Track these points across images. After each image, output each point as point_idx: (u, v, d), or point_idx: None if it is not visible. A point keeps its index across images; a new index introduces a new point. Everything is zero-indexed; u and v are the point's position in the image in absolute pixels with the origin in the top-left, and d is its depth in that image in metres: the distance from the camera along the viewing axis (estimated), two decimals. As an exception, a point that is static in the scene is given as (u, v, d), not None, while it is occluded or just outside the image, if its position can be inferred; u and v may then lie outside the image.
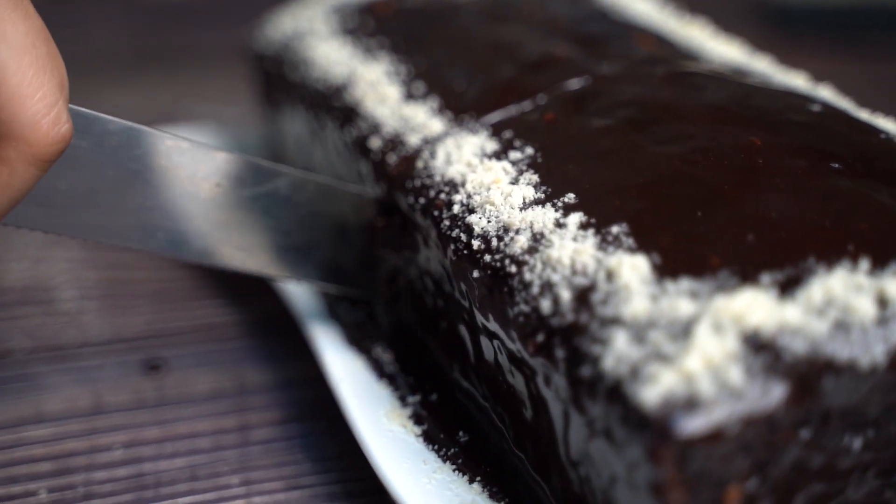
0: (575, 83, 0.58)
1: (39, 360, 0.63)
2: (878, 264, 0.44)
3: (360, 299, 0.60)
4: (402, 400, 0.55)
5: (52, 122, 0.43)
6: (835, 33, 1.08)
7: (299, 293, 0.61)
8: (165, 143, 0.51)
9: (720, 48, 0.65)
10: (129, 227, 0.51)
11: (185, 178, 0.52)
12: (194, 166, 0.52)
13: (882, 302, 0.42)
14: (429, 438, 0.52)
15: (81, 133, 0.48)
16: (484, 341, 0.51)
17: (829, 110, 0.55)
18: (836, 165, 0.49)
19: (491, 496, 0.50)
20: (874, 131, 0.53)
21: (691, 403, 0.40)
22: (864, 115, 0.56)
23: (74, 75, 0.97)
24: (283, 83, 0.70)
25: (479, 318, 0.50)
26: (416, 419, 0.54)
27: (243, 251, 0.54)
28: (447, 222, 0.52)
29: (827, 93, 0.59)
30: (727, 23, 1.04)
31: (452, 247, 0.51)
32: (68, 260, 0.72)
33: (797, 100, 0.56)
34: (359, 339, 0.59)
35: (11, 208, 0.44)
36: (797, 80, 0.60)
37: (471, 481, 0.50)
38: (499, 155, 0.54)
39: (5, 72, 0.42)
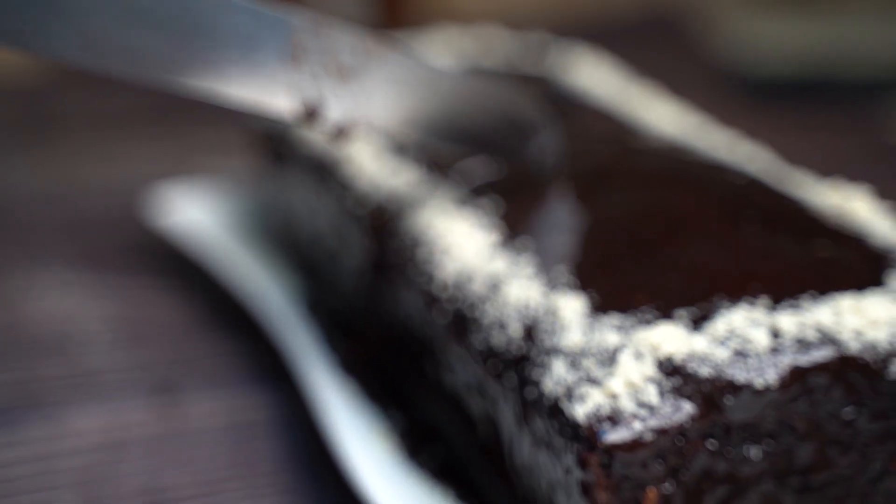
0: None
1: (67, 385, 0.70)
2: (774, 303, 0.52)
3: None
4: (386, 419, 0.63)
5: None
6: (791, 101, 1.16)
7: (297, 327, 0.70)
8: None
9: (669, 125, 0.73)
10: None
11: None
12: None
13: (775, 334, 0.50)
14: (407, 451, 0.60)
15: None
16: (447, 371, 0.59)
17: (753, 178, 0.63)
18: (750, 223, 0.58)
19: (460, 497, 0.58)
20: (788, 196, 0.61)
21: (614, 418, 0.47)
22: (784, 182, 0.64)
23: (96, 130, 1.07)
24: (284, 162, 0.79)
25: (446, 352, 0.59)
26: (399, 435, 0.62)
27: (146, 61, 0.51)
28: (418, 270, 0.61)
29: (757, 165, 0.67)
30: (695, 92, 1.12)
31: (423, 291, 0.60)
32: (93, 297, 0.80)
33: (726, 170, 0.64)
34: (350, 367, 0.67)
35: None
36: (732, 154, 0.68)
37: (445, 487, 0.58)
38: (466, 213, 0.62)
39: None
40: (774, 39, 1.29)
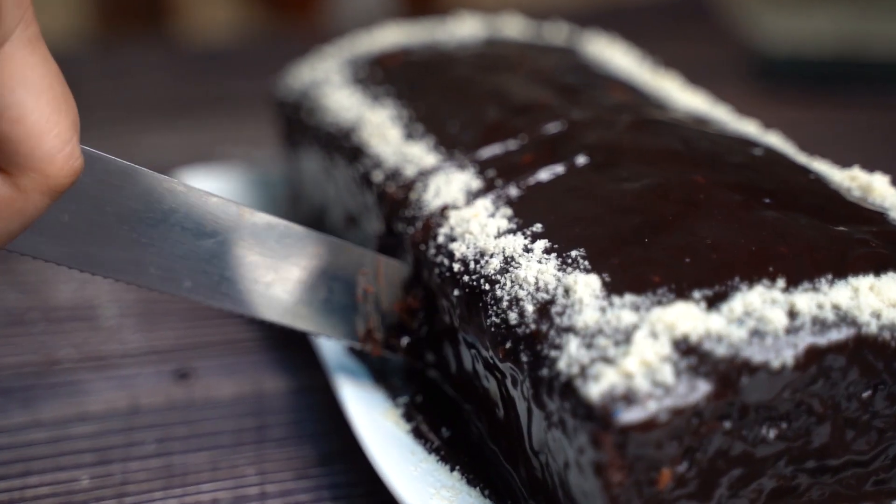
0: (552, 127, 0.66)
1: (84, 368, 0.71)
2: (792, 283, 0.51)
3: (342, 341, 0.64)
4: (395, 401, 0.63)
5: (66, 157, 0.46)
6: (812, 84, 1.15)
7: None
8: (162, 186, 0.54)
9: (686, 98, 0.73)
10: (124, 261, 0.54)
11: (179, 220, 0.55)
12: (187, 209, 0.55)
13: (792, 314, 0.49)
14: (417, 434, 0.60)
15: (86, 170, 0.51)
16: (463, 351, 0.59)
17: (770, 153, 0.63)
18: (767, 200, 0.57)
19: (468, 483, 0.57)
20: (805, 171, 0.61)
21: (629, 397, 0.47)
22: (801, 157, 0.63)
23: (121, 120, 1.08)
24: (301, 126, 0.79)
25: (459, 330, 0.58)
26: (407, 417, 0.61)
27: (228, 294, 0.58)
28: (433, 249, 0.60)
29: (773, 138, 0.66)
30: (716, 73, 1.12)
31: (437, 270, 0.59)
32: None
33: (742, 144, 0.63)
34: (359, 350, 0.67)
35: (21, 232, 0.48)
36: (748, 127, 0.68)
37: (451, 470, 0.58)
38: (481, 192, 0.62)
39: (24, 110, 0.45)
40: (799, 23, 1.29)
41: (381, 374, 0.65)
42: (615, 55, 0.82)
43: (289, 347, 0.73)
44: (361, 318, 0.62)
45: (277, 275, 0.59)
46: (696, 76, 0.89)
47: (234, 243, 0.57)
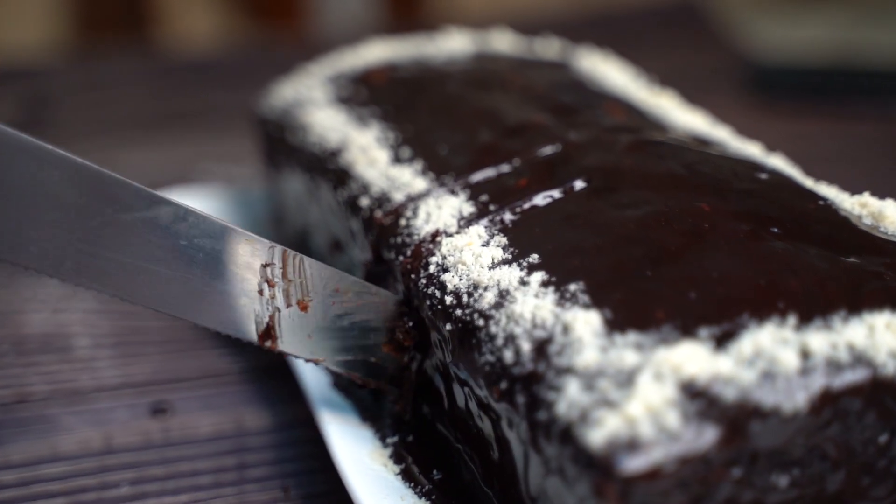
0: (548, 149, 0.63)
1: (56, 403, 0.68)
2: (804, 320, 0.48)
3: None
4: (383, 441, 0.60)
5: None
6: (808, 94, 1.13)
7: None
8: (51, 160, 0.51)
9: (685, 118, 0.70)
10: (1, 237, 0.51)
11: (67, 196, 0.52)
12: (78, 186, 0.52)
13: (805, 354, 0.47)
14: (407, 476, 0.57)
15: None
16: (456, 388, 0.56)
17: (776, 177, 0.60)
18: (775, 229, 0.54)
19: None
20: (813, 197, 0.58)
21: (633, 444, 0.44)
22: (807, 182, 0.61)
23: (98, 135, 1.04)
24: (283, 146, 0.76)
25: (452, 366, 0.55)
26: (396, 458, 0.58)
27: (113, 279, 0.54)
28: (424, 279, 0.57)
29: (778, 160, 0.64)
30: (709, 82, 1.10)
31: (428, 302, 0.56)
32: (84, 310, 0.77)
33: (747, 168, 0.60)
34: (346, 385, 0.63)
35: None
36: (752, 149, 0.65)
37: (445, 510, 0.55)
38: (474, 217, 0.59)
39: None
40: (794, 32, 1.27)
41: (368, 410, 0.62)
42: (609, 71, 0.79)
43: (270, 379, 0.69)
44: (262, 314, 0.58)
45: (169, 261, 0.55)
46: (689, 85, 0.86)
47: (125, 224, 0.54)
